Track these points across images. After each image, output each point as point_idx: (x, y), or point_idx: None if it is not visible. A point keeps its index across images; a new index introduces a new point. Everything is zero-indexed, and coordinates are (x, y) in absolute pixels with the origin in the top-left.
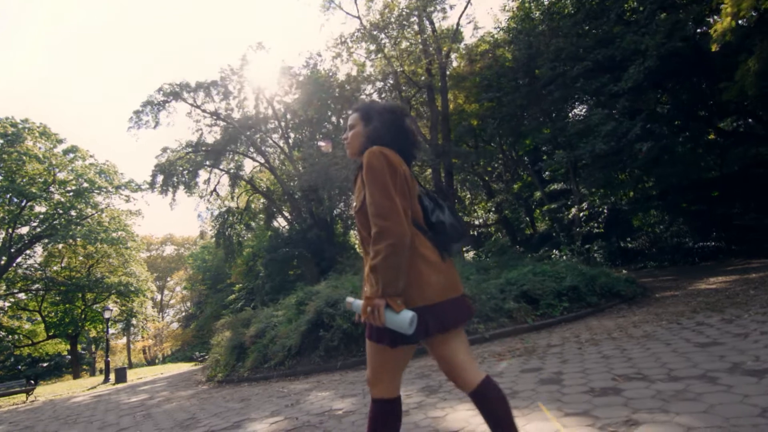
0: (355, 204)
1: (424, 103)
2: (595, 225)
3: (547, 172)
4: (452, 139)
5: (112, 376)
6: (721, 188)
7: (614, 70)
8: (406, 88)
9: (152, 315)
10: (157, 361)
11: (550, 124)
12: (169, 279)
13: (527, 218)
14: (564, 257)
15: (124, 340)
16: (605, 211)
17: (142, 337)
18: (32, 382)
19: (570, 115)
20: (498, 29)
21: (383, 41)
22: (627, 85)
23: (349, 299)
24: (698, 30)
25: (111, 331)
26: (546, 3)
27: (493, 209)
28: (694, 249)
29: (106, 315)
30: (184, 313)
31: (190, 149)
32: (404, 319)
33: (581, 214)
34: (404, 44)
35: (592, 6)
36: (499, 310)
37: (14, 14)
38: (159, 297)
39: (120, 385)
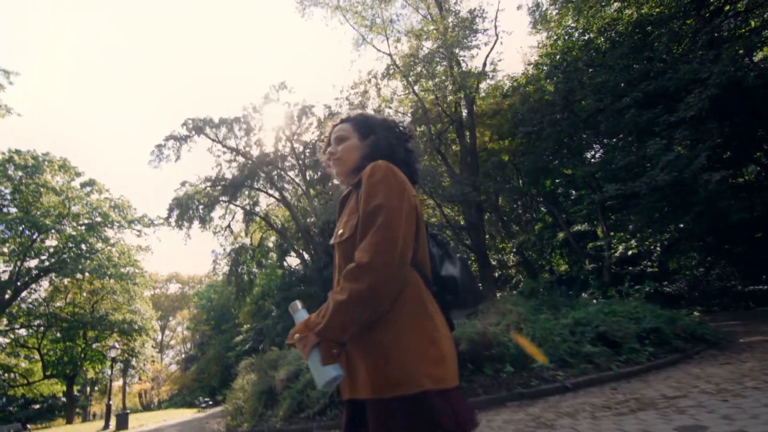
0: (341, 232)
1: (453, 140)
2: (630, 267)
3: (563, 214)
4: (480, 175)
5: (112, 422)
6: (765, 229)
7: (667, 101)
8: (435, 124)
9: (153, 356)
10: (152, 406)
11: (582, 160)
12: (171, 318)
13: (543, 261)
14: (594, 300)
15: (120, 382)
16: (640, 251)
17: (140, 380)
18: (27, 427)
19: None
20: (529, 65)
21: (412, 78)
22: (688, 113)
23: (297, 304)
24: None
25: (108, 372)
26: (577, 40)
27: (514, 250)
28: (744, 293)
29: (112, 354)
30: (184, 355)
31: (208, 183)
32: (326, 374)
33: (615, 254)
34: (432, 82)
35: (633, 41)
36: (576, 355)
37: (41, 45)
38: (160, 337)
39: None
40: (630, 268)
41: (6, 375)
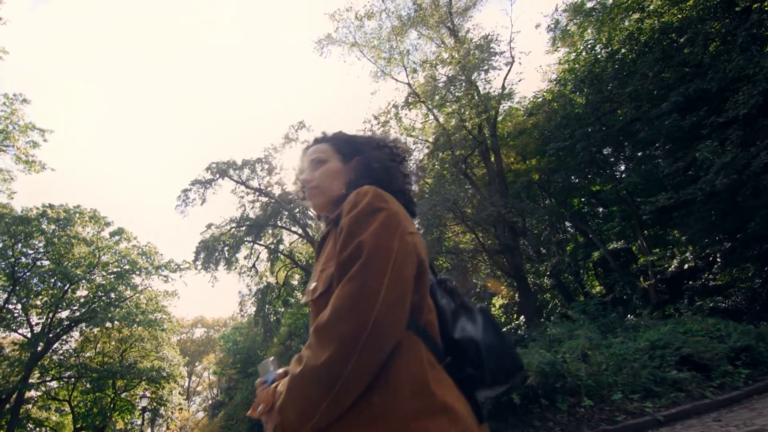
0: (314, 286)
1: (477, 164)
2: (689, 282)
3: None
4: (510, 197)
5: None
6: None
7: (710, 103)
8: (459, 149)
9: (181, 403)
10: None
11: (613, 176)
12: (197, 364)
13: (576, 284)
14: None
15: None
16: (698, 264)
17: (168, 429)
18: None
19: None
20: (552, 82)
21: (432, 104)
22: (740, 112)
23: (268, 364)
24: None
25: (137, 422)
26: (600, 52)
27: (548, 273)
28: None
29: (143, 403)
30: (210, 401)
31: (233, 224)
32: None
33: (669, 269)
34: (453, 107)
35: (663, 47)
36: (661, 382)
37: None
38: (186, 383)
39: None
40: (690, 282)
41: (37, 430)
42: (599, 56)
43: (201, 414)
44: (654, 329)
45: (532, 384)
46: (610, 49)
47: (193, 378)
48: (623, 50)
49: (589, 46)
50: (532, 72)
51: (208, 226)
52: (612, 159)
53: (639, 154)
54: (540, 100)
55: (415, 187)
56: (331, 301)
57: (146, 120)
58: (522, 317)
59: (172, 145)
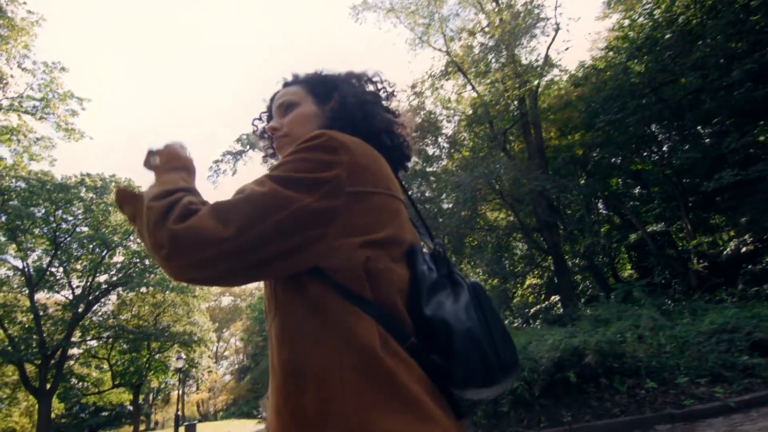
0: None
1: (515, 138)
2: (749, 265)
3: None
4: (550, 173)
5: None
6: None
7: None
8: (497, 122)
9: (210, 366)
10: (209, 416)
11: (661, 154)
12: (225, 330)
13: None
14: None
15: (179, 391)
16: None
17: (198, 390)
18: None
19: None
20: (604, 50)
21: (471, 74)
22: None
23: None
24: None
25: (170, 381)
26: (660, 17)
27: (581, 254)
28: None
29: (179, 364)
30: (237, 366)
31: None
32: None
33: (725, 252)
34: (493, 76)
35: (734, 9)
36: (731, 367)
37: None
38: (215, 348)
39: None
40: (749, 266)
41: (80, 384)
42: (660, 22)
43: (228, 377)
44: (716, 312)
45: (589, 363)
46: (671, 14)
47: (221, 343)
48: (686, 14)
49: (647, 11)
50: (580, 40)
51: None
52: (660, 136)
53: (698, 128)
54: (589, 69)
55: (409, 130)
56: (198, 215)
57: (178, 90)
58: (553, 297)
59: (205, 115)
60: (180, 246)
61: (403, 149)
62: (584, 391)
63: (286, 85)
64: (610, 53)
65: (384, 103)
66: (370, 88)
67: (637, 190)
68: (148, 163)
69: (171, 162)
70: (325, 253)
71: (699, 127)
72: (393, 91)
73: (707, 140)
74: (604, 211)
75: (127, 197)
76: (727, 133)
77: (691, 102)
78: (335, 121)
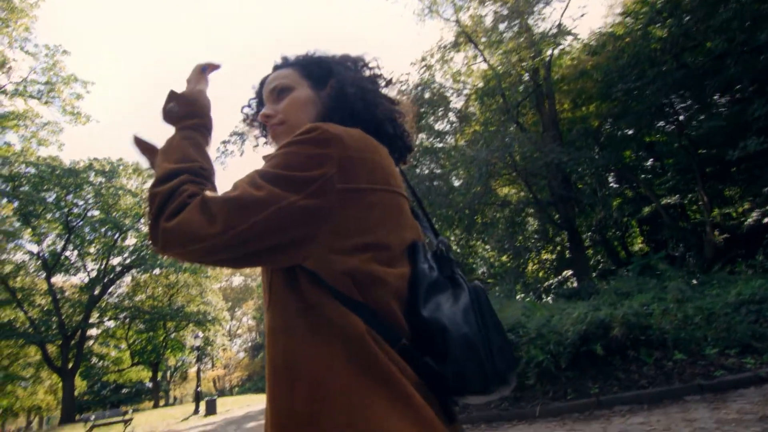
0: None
1: (528, 111)
2: None
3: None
4: (564, 146)
5: (202, 407)
6: None
7: None
8: (509, 94)
9: (225, 344)
10: (225, 391)
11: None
12: (237, 309)
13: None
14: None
15: (195, 368)
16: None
17: (213, 367)
18: (129, 412)
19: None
20: (621, 15)
21: (482, 47)
22: None
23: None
24: None
25: (187, 359)
26: None
27: (593, 228)
28: None
29: (197, 342)
30: (250, 343)
31: None
32: None
33: (746, 223)
34: (508, 45)
35: None
36: (761, 338)
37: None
38: (228, 327)
39: (214, 419)
40: None
41: (100, 362)
42: None
43: (242, 354)
44: (743, 284)
45: (616, 335)
46: None
47: (234, 322)
48: None
49: None
50: (596, 5)
51: None
52: (678, 105)
53: (715, 97)
54: (605, 36)
55: (408, 117)
56: (191, 208)
57: (183, 72)
58: (566, 272)
59: (214, 93)
60: (170, 241)
61: (404, 139)
62: (610, 363)
63: (276, 68)
64: (628, 19)
65: (383, 90)
66: (367, 73)
67: (649, 163)
68: (166, 112)
69: (187, 116)
70: (313, 254)
71: (716, 96)
72: (391, 78)
73: (723, 109)
74: (614, 185)
75: (146, 149)
76: (750, 100)
77: (714, 67)
78: (335, 110)
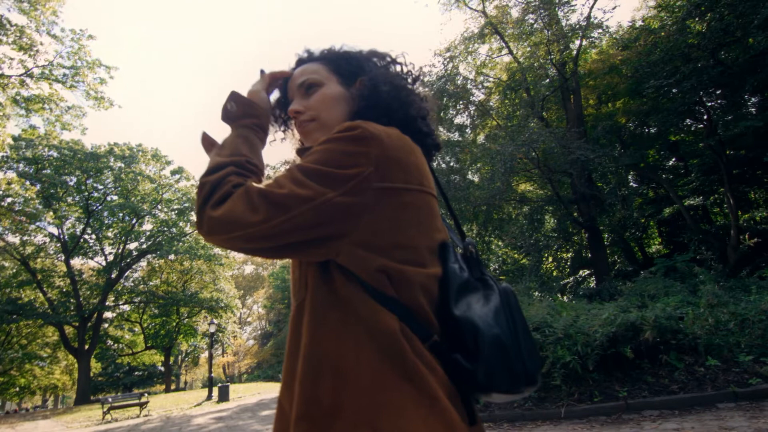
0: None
1: (551, 106)
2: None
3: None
4: (590, 143)
5: (215, 393)
6: None
7: None
8: (535, 88)
9: (236, 331)
10: (234, 378)
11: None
12: (248, 297)
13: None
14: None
15: (206, 354)
16: None
17: (224, 353)
18: (145, 395)
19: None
20: (656, 8)
21: (509, 36)
22: None
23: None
24: None
25: (198, 345)
26: None
27: (610, 228)
28: None
29: (212, 329)
30: (260, 331)
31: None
32: None
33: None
34: (537, 37)
35: None
36: None
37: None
38: (239, 314)
39: (227, 405)
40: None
41: (115, 345)
42: None
43: (251, 342)
44: None
45: (647, 339)
46: None
47: (244, 310)
48: None
49: None
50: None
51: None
52: (710, 103)
53: (745, 96)
54: (638, 30)
55: (432, 114)
56: (236, 197)
57: (204, 60)
58: (582, 271)
59: (230, 84)
60: (214, 228)
61: (433, 137)
62: (639, 366)
63: (301, 61)
64: (662, 13)
65: (413, 87)
66: (396, 69)
67: (671, 162)
68: (225, 111)
69: (244, 116)
70: (346, 250)
71: (746, 96)
72: (419, 75)
73: (752, 110)
74: (634, 184)
75: (209, 144)
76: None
77: (752, 66)
78: (368, 108)
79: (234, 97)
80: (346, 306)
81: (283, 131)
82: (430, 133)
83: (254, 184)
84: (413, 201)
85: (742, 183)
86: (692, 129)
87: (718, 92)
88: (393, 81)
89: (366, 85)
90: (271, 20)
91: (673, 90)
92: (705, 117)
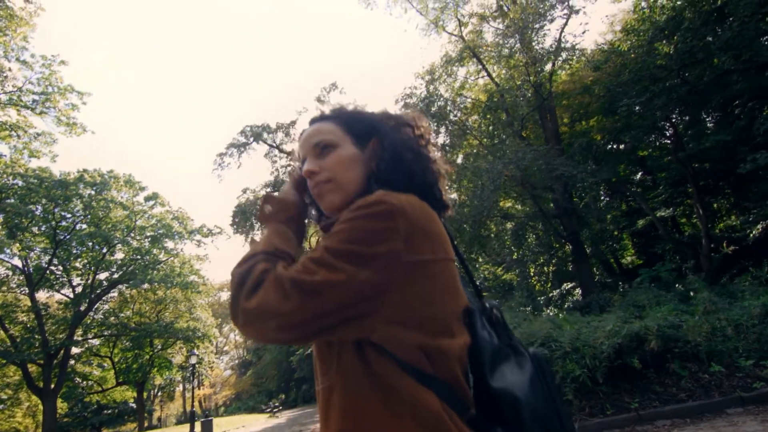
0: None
1: (534, 122)
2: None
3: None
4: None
5: (197, 428)
6: None
7: None
8: (513, 109)
9: (213, 361)
10: (210, 412)
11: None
12: (225, 325)
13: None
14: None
15: (181, 387)
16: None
17: (202, 386)
18: None
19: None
20: (622, 33)
21: (485, 61)
22: None
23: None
24: None
25: (174, 378)
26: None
27: (589, 241)
28: None
29: (192, 360)
30: (238, 360)
31: (268, 188)
32: None
33: (752, 235)
34: (515, 59)
35: None
36: None
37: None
38: (215, 343)
39: None
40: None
41: (83, 382)
42: (681, 4)
43: (228, 372)
44: (766, 295)
45: (652, 348)
46: None
47: (221, 338)
48: None
49: None
50: (595, 23)
51: (244, 191)
52: (676, 119)
53: (704, 114)
54: (608, 52)
55: (443, 177)
56: (266, 287)
57: (179, 85)
58: (565, 284)
59: (207, 110)
60: (250, 319)
61: (442, 201)
62: (645, 376)
63: (314, 121)
64: (630, 36)
65: (427, 152)
66: (409, 132)
67: (638, 176)
68: (261, 213)
69: (277, 212)
70: (379, 327)
71: (703, 114)
72: (430, 138)
73: (712, 125)
74: (606, 198)
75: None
76: (753, 116)
77: (718, 84)
78: (387, 172)
79: (266, 198)
80: (386, 386)
81: (298, 188)
82: (440, 197)
83: (284, 271)
84: (441, 270)
85: (708, 194)
86: (658, 144)
87: (685, 109)
88: (411, 146)
89: (385, 147)
90: (250, 45)
91: (637, 108)
92: (672, 132)
